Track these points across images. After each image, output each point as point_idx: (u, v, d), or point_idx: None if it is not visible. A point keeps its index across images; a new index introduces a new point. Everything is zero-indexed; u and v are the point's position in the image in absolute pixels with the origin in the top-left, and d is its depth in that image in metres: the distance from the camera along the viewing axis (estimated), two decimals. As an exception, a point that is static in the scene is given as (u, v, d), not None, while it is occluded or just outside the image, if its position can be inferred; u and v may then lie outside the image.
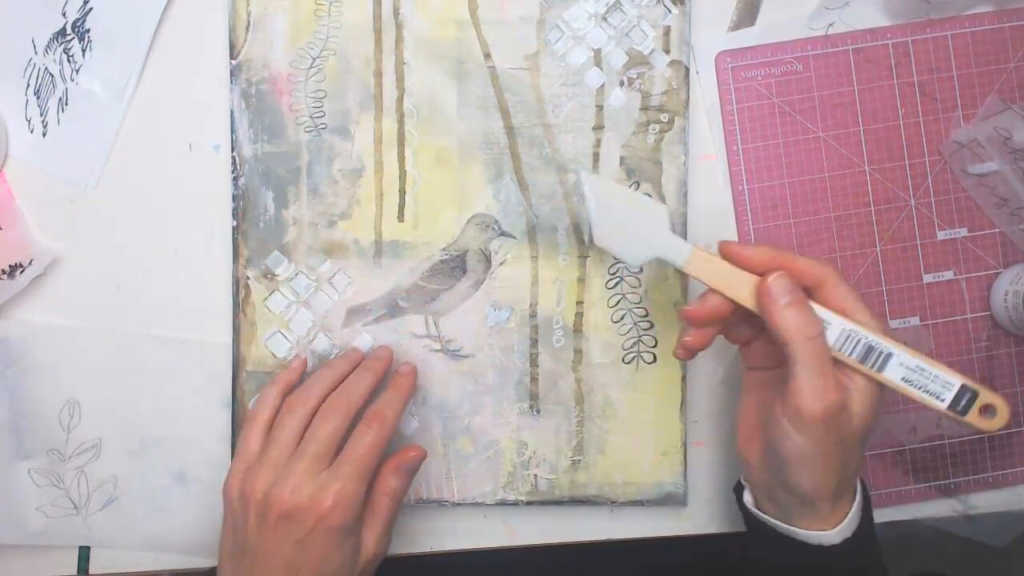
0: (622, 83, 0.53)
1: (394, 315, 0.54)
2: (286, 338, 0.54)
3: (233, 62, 0.53)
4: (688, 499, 0.55)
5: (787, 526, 0.45)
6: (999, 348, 0.56)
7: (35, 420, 0.54)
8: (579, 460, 0.54)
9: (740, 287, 0.44)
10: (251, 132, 0.53)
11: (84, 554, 0.55)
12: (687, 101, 0.54)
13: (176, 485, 0.55)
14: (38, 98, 0.53)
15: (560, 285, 0.54)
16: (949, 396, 0.43)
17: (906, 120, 0.55)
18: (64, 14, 0.53)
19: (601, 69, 0.53)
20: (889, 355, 0.43)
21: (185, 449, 0.54)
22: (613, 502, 0.54)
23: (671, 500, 0.54)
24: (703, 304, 0.45)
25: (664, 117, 0.54)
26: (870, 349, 0.43)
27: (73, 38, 0.53)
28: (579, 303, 0.54)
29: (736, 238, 0.55)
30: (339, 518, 0.45)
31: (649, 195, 0.52)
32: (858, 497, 0.45)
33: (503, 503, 0.54)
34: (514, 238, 0.54)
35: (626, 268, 0.54)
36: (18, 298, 0.53)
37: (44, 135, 0.53)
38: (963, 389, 0.43)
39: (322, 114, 0.53)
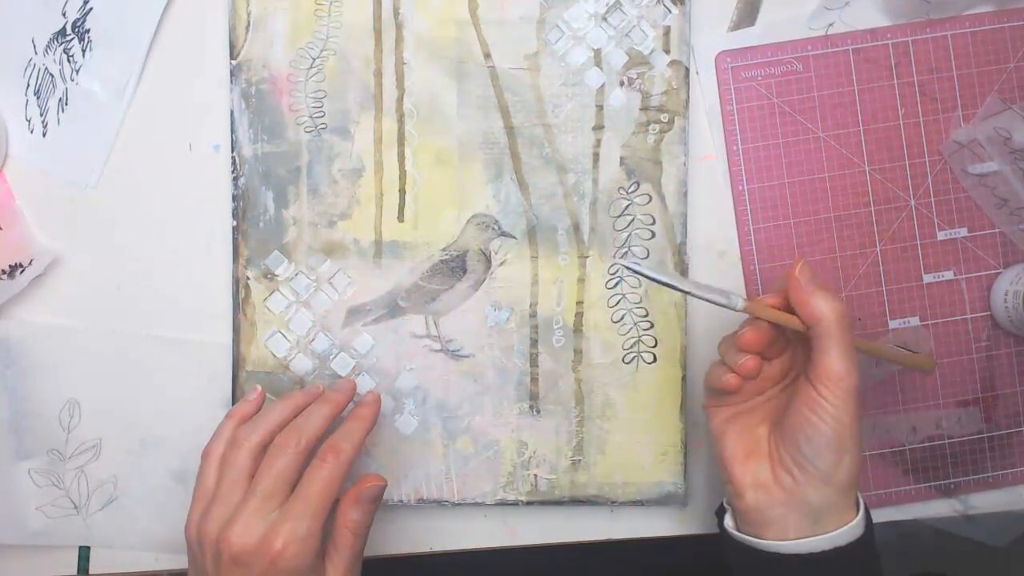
0: (622, 83, 0.53)
1: (394, 315, 0.54)
2: (286, 338, 0.54)
3: (233, 62, 0.53)
4: (688, 499, 0.55)
5: (777, 542, 0.45)
6: (999, 348, 0.56)
7: (35, 420, 0.54)
8: (579, 460, 0.54)
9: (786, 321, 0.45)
10: (251, 132, 0.53)
11: (84, 554, 0.55)
12: (687, 101, 0.54)
13: (176, 485, 0.55)
14: (38, 98, 0.53)
15: (560, 285, 0.54)
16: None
17: (906, 120, 0.55)
18: (64, 14, 0.53)
19: (601, 69, 0.53)
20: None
21: (185, 449, 0.54)
22: (613, 502, 0.54)
23: (671, 500, 0.54)
24: (757, 328, 0.45)
25: (664, 117, 0.54)
26: None
27: (73, 38, 0.53)
28: (579, 303, 0.54)
29: (736, 238, 0.55)
30: (291, 559, 0.42)
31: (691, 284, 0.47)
32: (861, 508, 0.45)
33: (503, 503, 0.54)
34: (514, 238, 0.54)
35: (626, 268, 0.53)
36: (18, 298, 0.53)
37: (44, 135, 0.53)
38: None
39: (322, 114, 0.53)
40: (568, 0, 0.53)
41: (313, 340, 0.54)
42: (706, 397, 0.49)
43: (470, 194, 0.54)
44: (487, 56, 0.53)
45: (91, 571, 0.55)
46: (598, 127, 0.54)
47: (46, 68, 0.53)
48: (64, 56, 0.53)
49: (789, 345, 0.47)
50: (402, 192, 0.54)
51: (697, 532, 0.56)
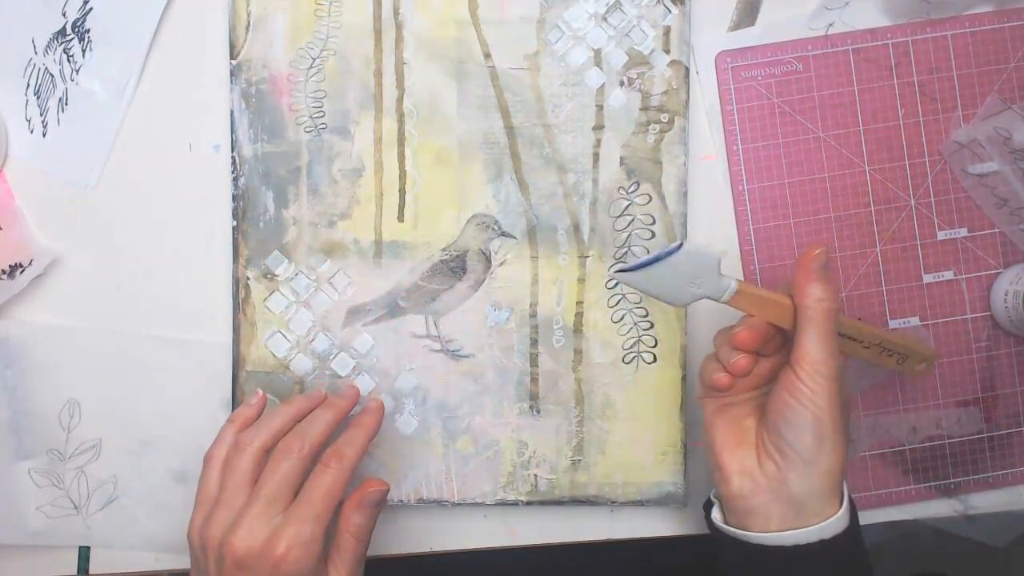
0: (622, 83, 0.53)
1: (394, 315, 0.54)
2: (286, 338, 0.54)
3: (233, 62, 0.53)
4: (688, 499, 0.55)
5: (762, 534, 0.45)
6: (999, 348, 0.56)
7: (35, 420, 0.54)
8: (579, 460, 0.54)
9: (778, 312, 0.46)
10: (251, 132, 0.53)
11: (84, 554, 0.55)
12: (687, 101, 0.54)
13: (176, 485, 0.55)
14: (38, 98, 0.53)
15: (560, 285, 0.54)
16: None
17: (906, 120, 0.55)
18: (64, 14, 0.53)
19: (601, 69, 0.53)
20: None
21: (185, 449, 0.54)
22: (613, 502, 0.54)
23: (671, 500, 0.54)
24: (751, 327, 0.46)
25: (664, 117, 0.54)
26: None
27: (73, 38, 0.53)
28: (579, 303, 0.54)
29: (736, 238, 0.55)
30: (295, 563, 0.43)
31: (681, 243, 0.46)
32: (845, 500, 0.45)
33: (503, 503, 0.54)
34: (514, 238, 0.54)
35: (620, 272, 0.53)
36: (18, 298, 0.53)
37: (44, 135, 0.53)
38: None
39: (322, 114, 0.53)
40: (568, 0, 0.53)
41: (313, 340, 0.54)
42: (700, 388, 0.50)
43: (470, 194, 0.54)
44: (487, 56, 0.53)
45: (91, 571, 0.55)
46: (598, 127, 0.54)
47: (46, 68, 0.53)
48: (64, 56, 0.53)
49: (784, 345, 0.48)
50: (402, 192, 0.54)
51: (697, 532, 0.56)
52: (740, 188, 0.55)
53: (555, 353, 0.54)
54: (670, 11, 0.53)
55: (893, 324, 0.56)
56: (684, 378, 0.54)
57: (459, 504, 0.54)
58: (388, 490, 0.47)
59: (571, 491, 0.54)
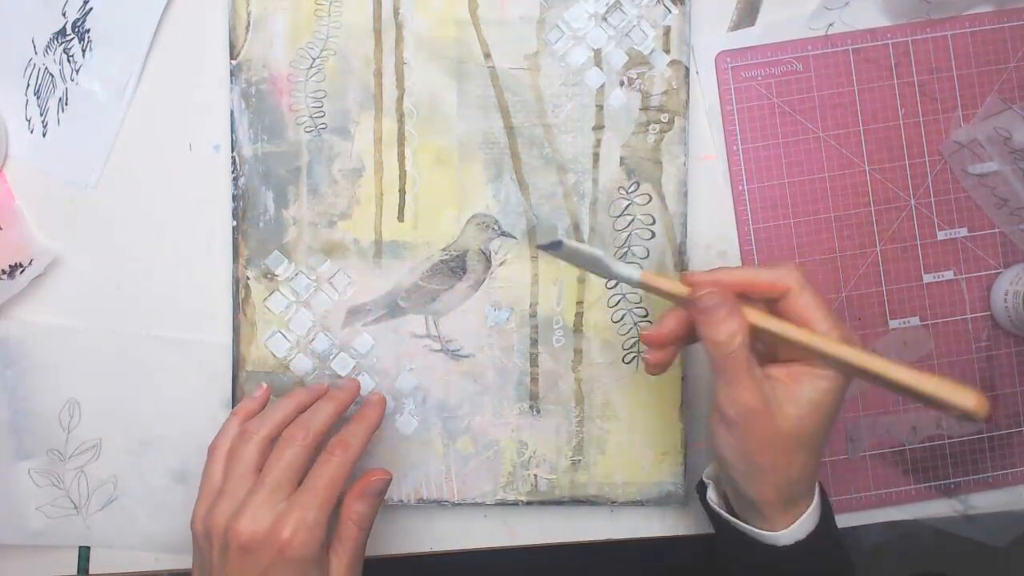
0: (622, 83, 0.53)
1: (394, 315, 0.54)
2: (286, 338, 0.54)
3: (233, 62, 0.53)
4: (688, 499, 0.55)
5: (745, 525, 0.45)
6: (999, 348, 0.56)
7: (35, 420, 0.54)
8: (579, 460, 0.54)
9: (683, 303, 0.44)
10: (251, 132, 0.53)
11: (84, 554, 0.55)
12: (687, 101, 0.54)
13: (176, 485, 0.55)
14: (38, 98, 0.53)
15: (560, 285, 0.54)
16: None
17: (906, 120, 0.55)
18: (64, 14, 0.53)
19: (601, 69, 0.53)
20: None
21: (185, 449, 0.54)
22: (613, 502, 0.54)
23: (671, 500, 0.54)
24: (660, 327, 0.46)
25: (664, 117, 0.54)
26: None
27: (73, 38, 0.53)
28: (579, 303, 0.54)
29: (736, 238, 0.55)
30: (299, 549, 0.43)
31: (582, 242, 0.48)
32: (815, 501, 0.45)
33: (503, 503, 0.54)
34: (514, 238, 0.54)
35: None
36: (18, 298, 0.53)
37: (44, 135, 0.53)
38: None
39: (322, 114, 0.53)
40: (568, 0, 0.53)
41: (313, 340, 0.54)
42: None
43: (470, 194, 0.54)
44: (487, 56, 0.53)
45: (91, 571, 0.55)
46: (598, 127, 0.54)
47: (46, 68, 0.53)
48: (64, 56, 0.53)
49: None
50: (402, 192, 0.54)
51: (697, 532, 0.56)
52: (740, 188, 0.55)
53: (555, 353, 0.54)
54: (670, 11, 0.53)
55: (893, 324, 0.56)
56: (684, 378, 0.54)
57: (459, 504, 0.54)
58: (390, 479, 0.47)
59: (571, 491, 0.54)
